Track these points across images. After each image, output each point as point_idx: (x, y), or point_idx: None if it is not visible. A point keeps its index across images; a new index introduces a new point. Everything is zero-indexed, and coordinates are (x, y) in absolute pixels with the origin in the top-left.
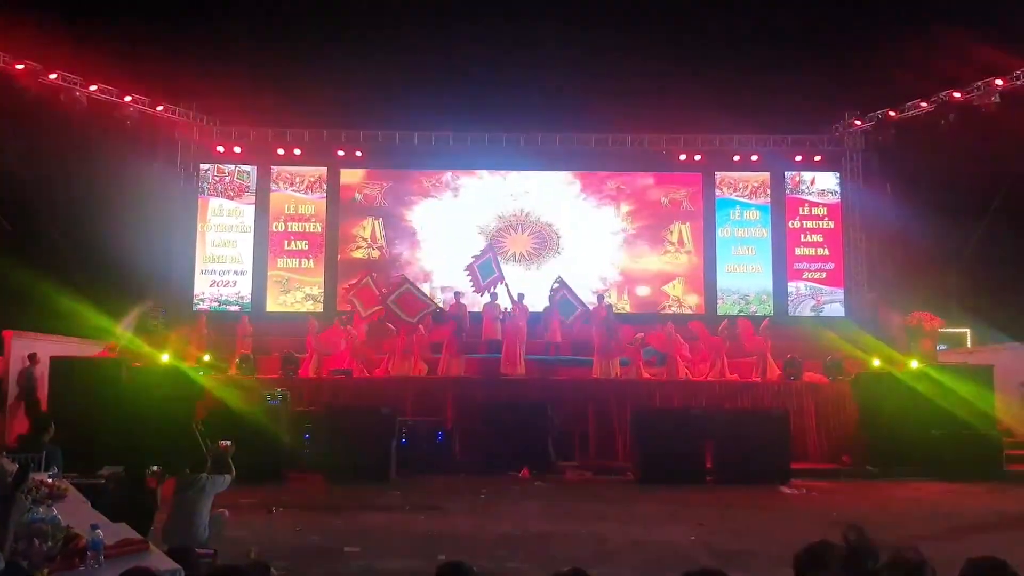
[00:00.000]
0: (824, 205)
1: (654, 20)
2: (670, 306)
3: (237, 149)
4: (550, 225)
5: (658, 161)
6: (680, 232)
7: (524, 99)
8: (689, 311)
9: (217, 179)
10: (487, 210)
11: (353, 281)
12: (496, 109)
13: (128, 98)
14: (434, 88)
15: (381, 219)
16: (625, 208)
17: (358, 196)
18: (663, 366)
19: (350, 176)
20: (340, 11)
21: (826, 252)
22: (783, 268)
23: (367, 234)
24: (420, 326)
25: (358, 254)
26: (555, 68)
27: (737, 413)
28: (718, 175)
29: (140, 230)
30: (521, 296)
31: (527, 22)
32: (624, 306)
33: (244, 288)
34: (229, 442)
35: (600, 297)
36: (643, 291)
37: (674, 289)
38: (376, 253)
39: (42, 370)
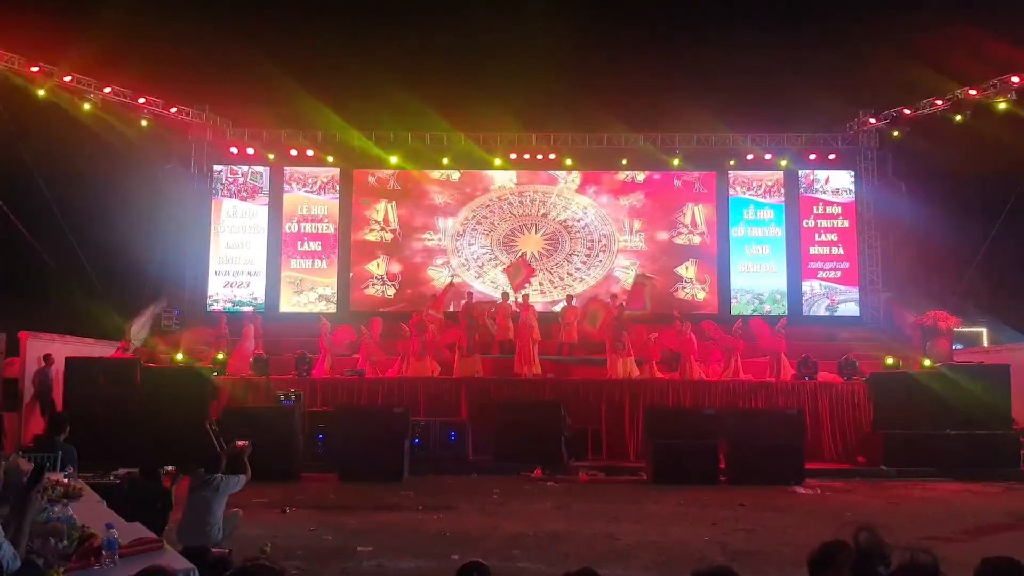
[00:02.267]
0: (839, 204)
1: (666, 18)
2: (683, 287)
3: (250, 150)
4: (563, 224)
5: (671, 159)
6: (693, 213)
7: (537, 98)
8: (703, 293)
9: (230, 180)
10: (500, 210)
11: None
12: (508, 108)
13: (142, 100)
14: (446, 88)
15: (394, 202)
16: (638, 203)
17: (372, 179)
18: (676, 371)
19: (363, 176)
20: (353, 12)
21: (841, 251)
22: (797, 267)
23: (380, 217)
24: (431, 326)
25: (371, 236)
26: (569, 67)
27: (751, 413)
28: (731, 174)
29: (154, 231)
30: (525, 296)
31: (541, 21)
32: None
33: (257, 289)
34: (246, 442)
35: (613, 296)
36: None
37: (687, 271)
38: (389, 236)
39: (57, 370)
